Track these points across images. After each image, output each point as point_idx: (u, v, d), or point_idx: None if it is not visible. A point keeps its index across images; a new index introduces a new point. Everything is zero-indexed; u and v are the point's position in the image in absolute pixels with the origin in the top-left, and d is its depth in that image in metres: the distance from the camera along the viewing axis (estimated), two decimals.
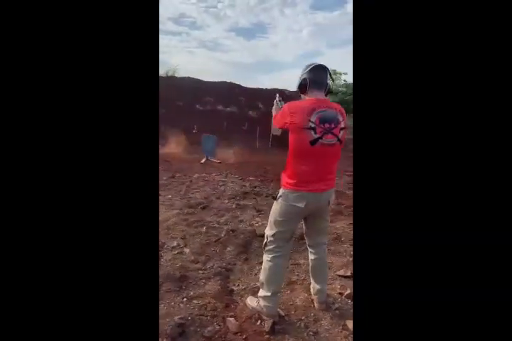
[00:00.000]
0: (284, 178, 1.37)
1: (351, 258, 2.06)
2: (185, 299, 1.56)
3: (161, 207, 2.93)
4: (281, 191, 1.39)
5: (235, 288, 1.70)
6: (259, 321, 1.41)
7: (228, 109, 10.64)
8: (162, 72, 10.60)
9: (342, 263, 1.99)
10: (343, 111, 1.35)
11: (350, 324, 1.40)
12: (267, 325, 1.37)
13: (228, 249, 2.15)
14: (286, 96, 12.67)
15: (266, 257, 1.45)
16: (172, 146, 7.34)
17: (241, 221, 2.70)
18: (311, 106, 1.26)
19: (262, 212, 2.97)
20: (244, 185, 4.07)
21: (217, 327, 1.36)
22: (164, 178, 4.23)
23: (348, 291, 1.65)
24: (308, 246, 1.57)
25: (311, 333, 1.35)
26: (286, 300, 1.59)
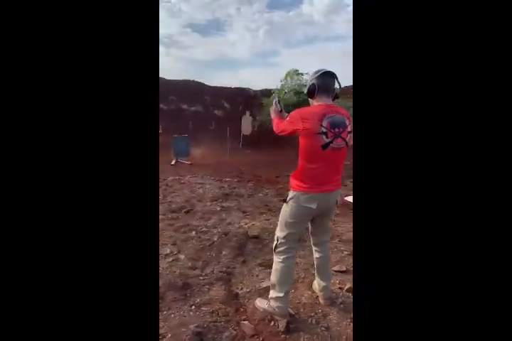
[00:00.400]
0: (294, 181, 1.42)
1: (343, 254, 2.17)
2: (193, 307, 1.54)
3: None
4: (291, 193, 1.43)
5: (239, 292, 1.71)
6: (272, 322, 1.44)
7: (193, 108, 10.43)
8: None
9: (335, 259, 2.09)
10: (349, 115, 1.42)
11: None
12: (282, 324, 1.41)
13: (224, 252, 2.15)
14: (250, 96, 12.72)
15: (277, 259, 1.49)
16: None
17: (229, 223, 2.70)
18: (322, 111, 1.32)
19: (248, 213, 3.00)
20: (223, 187, 4.06)
21: (234, 332, 1.37)
22: None
23: (348, 285, 1.75)
24: (314, 244, 1.63)
25: (323, 328, 1.42)
26: (293, 298, 1.64)
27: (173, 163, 6.17)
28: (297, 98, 9.97)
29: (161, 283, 1.71)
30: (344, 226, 2.69)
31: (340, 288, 1.76)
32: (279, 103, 1.66)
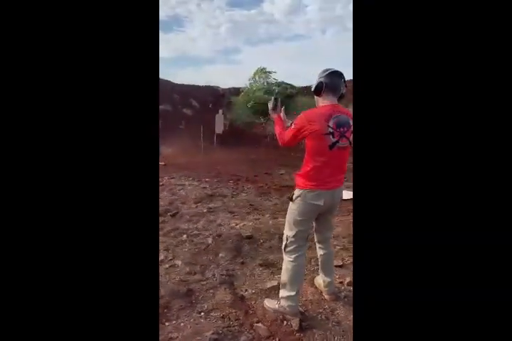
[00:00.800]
0: (301, 179, 1.45)
1: (336, 249, 2.24)
2: (202, 313, 1.51)
3: None
4: (297, 191, 1.46)
5: (244, 294, 1.70)
6: (284, 322, 1.45)
7: (161, 107, 10.07)
8: None
9: None
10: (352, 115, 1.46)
11: None
12: (295, 323, 1.42)
13: (221, 255, 2.12)
14: (219, 94, 12.59)
15: (288, 258, 1.50)
16: None
17: (219, 225, 2.67)
18: (328, 112, 1.36)
19: (236, 214, 2.98)
20: (205, 187, 3.99)
21: (250, 336, 1.36)
22: None
23: (348, 279, 1.81)
24: (318, 242, 1.66)
25: (334, 323, 1.46)
26: (299, 296, 1.67)
27: None
28: (266, 97, 10.05)
29: (163, 291, 1.65)
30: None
31: (340, 282, 1.82)
32: (276, 101, 1.65)
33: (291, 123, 1.46)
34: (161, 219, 2.77)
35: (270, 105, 1.66)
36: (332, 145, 1.35)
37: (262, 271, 1.93)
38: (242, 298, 1.67)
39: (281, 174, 5.12)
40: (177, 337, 1.33)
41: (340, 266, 1.99)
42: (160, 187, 3.96)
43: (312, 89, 1.45)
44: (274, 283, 1.74)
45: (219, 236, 2.36)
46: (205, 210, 3.03)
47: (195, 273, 1.89)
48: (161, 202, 3.28)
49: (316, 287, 1.75)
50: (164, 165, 5.93)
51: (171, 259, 2.04)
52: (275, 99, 1.68)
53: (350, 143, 1.41)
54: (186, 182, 4.25)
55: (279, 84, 10.56)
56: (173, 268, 1.93)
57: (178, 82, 11.80)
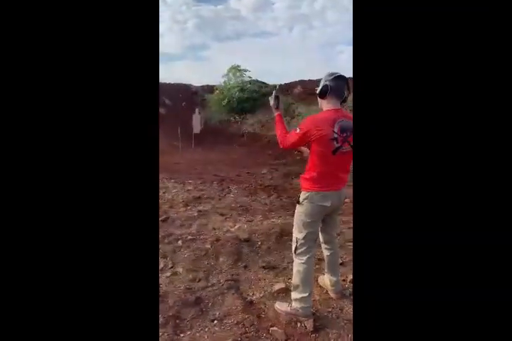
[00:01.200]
0: (307, 182, 1.49)
1: None
2: (215, 321, 1.50)
3: None
4: (304, 194, 1.50)
5: (253, 298, 1.71)
6: (298, 323, 1.48)
7: None
8: None
9: None
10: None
11: None
12: (309, 324, 1.46)
13: (221, 259, 2.11)
14: (191, 92, 12.34)
15: (299, 260, 1.52)
16: None
17: (214, 229, 2.64)
18: (332, 117, 1.40)
19: (228, 216, 2.96)
20: (189, 189, 3.91)
21: (269, 340, 1.38)
22: None
23: (350, 277, 1.88)
24: (324, 242, 1.70)
25: (345, 321, 1.51)
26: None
27: None
28: (242, 94, 10.03)
29: (171, 302, 1.61)
30: None
31: (343, 280, 1.88)
32: (277, 99, 1.65)
33: (292, 130, 1.49)
34: None
35: (271, 101, 1.66)
36: (335, 150, 1.39)
37: (266, 274, 1.95)
38: (251, 302, 1.68)
39: (264, 173, 5.15)
40: None
41: (340, 264, 2.06)
42: None
43: (317, 92, 1.48)
44: (282, 285, 1.76)
45: (217, 240, 2.34)
46: (195, 214, 2.98)
47: (199, 280, 1.86)
48: None
49: (320, 286, 1.80)
50: None
51: (171, 267, 2.00)
52: (276, 96, 1.67)
53: (351, 147, 1.44)
54: (169, 185, 4.14)
55: (253, 82, 10.57)
56: (175, 276, 1.89)
57: None
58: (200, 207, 3.20)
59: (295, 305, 1.50)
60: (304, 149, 1.62)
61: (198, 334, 1.40)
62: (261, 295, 1.74)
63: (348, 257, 2.14)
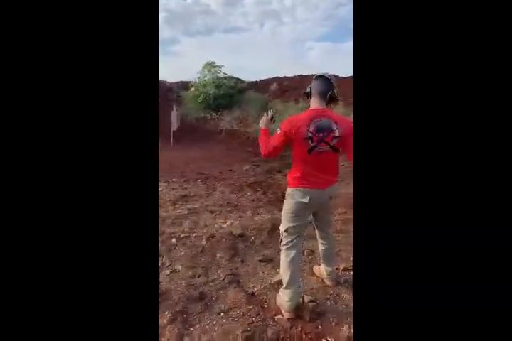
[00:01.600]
0: (290, 179, 1.56)
1: None
2: (222, 314, 1.55)
3: None
4: (288, 190, 1.58)
5: (254, 290, 1.78)
6: (302, 312, 1.57)
7: None
8: None
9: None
10: (343, 120, 1.49)
11: None
12: (306, 314, 1.54)
13: (219, 255, 2.15)
14: (166, 88, 11.97)
15: (283, 252, 1.60)
16: None
17: (206, 226, 2.67)
18: (309, 117, 1.45)
19: (217, 213, 3.00)
20: (175, 188, 3.89)
21: (275, 328, 1.45)
22: None
23: (343, 266, 2.00)
24: (320, 238, 1.79)
25: (343, 306, 1.62)
26: (306, 286, 1.80)
27: None
28: (217, 91, 9.97)
29: (176, 298, 1.64)
30: None
31: (336, 268, 2.00)
32: (271, 119, 1.68)
33: (275, 131, 1.53)
34: None
35: (264, 119, 1.67)
36: (310, 150, 1.43)
37: (263, 267, 2.02)
38: (253, 294, 1.74)
39: (246, 170, 5.20)
40: (209, 339, 1.36)
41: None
42: None
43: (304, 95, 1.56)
44: (280, 276, 1.85)
45: (212, 237, 2.38)
46: (185, 212, 2.99)
47: (199, 276, 1.90)
48: None
49: (317, 276, 1.90)
50: None
51: (169, 265, 2.01)
52: (271, 113, 1.70)
53: (331, 147, 1.45)
54: None
55: (229, 78, 10.53)
56: (175, 273, 1.91)
57: None
58: (189, 206, 3.20)
59: (280, 298, 1.57)
60: None
61: (207, 327, 1.45)
62: (261, 287, 1.81)
63: (340, 247, 2.26)
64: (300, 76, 10.39)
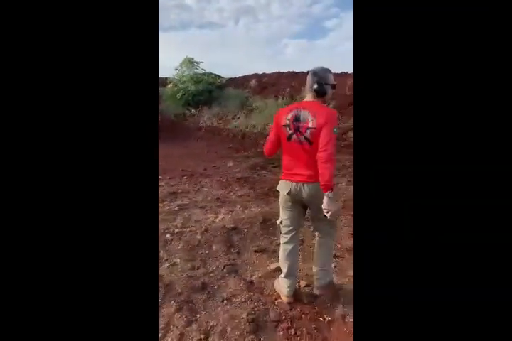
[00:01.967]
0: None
1: None
2: (225, 301, 1.64)
3: None
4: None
5: (253, 279, 1.88)
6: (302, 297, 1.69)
7: None
8: None
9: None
10: (321, 113, 1.40)
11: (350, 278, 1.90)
12: (304, 293, 1.67)
13: (215, 247, 2.23)
14: None
15: (281, 245, 1.69)
16: None
17: (197, 221, 2.73)
18: (290, 107, 1.52)
19: (207, 209, 3.06)
20: (161, 185, 3.88)
21: (277, 311, 1.57)
22: None
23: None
24: (312, 230, 1.87)
25: (337, 288, 1.76)
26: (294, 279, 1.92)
27: None
28: (196, 87, 9.89)
29: (179, 288, 1.71)
30: None
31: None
32: None
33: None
34: None
35: None
36: (289, 137, 1.46)
37: (259, 257, 2.13)
38: (252, 282, 1.85)
39: (230, 166, 5.27)
40: (216, 324, 1.45)
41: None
42: None
43: None
44: (276, 264, 1.96)
45: (206, 231, 2.45)
46: (176, 208, 3.02)
47: (198, 268, 1.97)
48: None
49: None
50: None
51: (167, 259, 2.07)
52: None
53: (306, 139, 1.42)
54: None
55: (208, 74, 10.47)
56: (175, 266, 1.97)
57: None
58: (179, 202, 3.24)
59: (276, 284, 1.68)
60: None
61: (213, 313, 1.54)
62: (259, 275, 1.91)
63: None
64: (278, 73, 10.52)
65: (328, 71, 1.50)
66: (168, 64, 12.92)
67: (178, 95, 9.76)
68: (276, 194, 3.47)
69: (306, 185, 1.47)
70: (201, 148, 7.65)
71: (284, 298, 1.64)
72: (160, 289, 1.70)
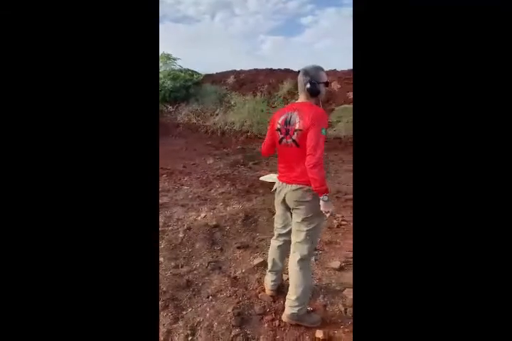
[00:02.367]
0: None
1: None
2: (210, 297, 1.67)
3: None
4: None
5: (236, 274, 1.92)
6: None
7: None
8: None
9: None
10: (308, 114, 1.34)
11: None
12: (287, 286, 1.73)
13: (197, 245, 2.25)
14: None
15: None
16: None
17: (179, 219, 2.73)
18: (284, 109, 1.47)
19: (190, 206, 3.06)
20: None
21: (261, 304, 1.62)
22: None
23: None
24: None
25: (317, 280, 1.84)
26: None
27: None
28: (173, 84, 9.70)
29: (164, 287, 1.72)
30: None
31: None
32: None
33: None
34: None
35: None
36: (280, 141, 1.45)
37: (242, 253, 2.17)
38: (236, 278, 1.89)
39: (210, 164, 5.26)
40: (203, 319, 1.48)
41: None
42: None
43: None
44: (260, 259, 2.02)
45: (189, 229, 2.45)
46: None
47: (182, 266, 1.98)
48: None
49: None
50: None
51: None
52: None
53: (294, 141, 1.38)
54: None
55: (185, 70, 10.30)
56: (159, 265, 1.97)
57: None
58: (159, 201, 3.21)
59: (267, 278, 1.71)
60: None
61: (199, 310, 1.57)
62: (243, 270, 1.96)
63: None
64: (256, 69, 10.52)
65: (319, 69, 1.43)
66: None
67: None
68: (257, 191, 3.54)
69: (288, 185, 1.46)
70: (179, 146, 7.54)
71: (268, 292, 1.69)
72: None
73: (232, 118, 8.41)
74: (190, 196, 3.39)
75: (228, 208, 2.97)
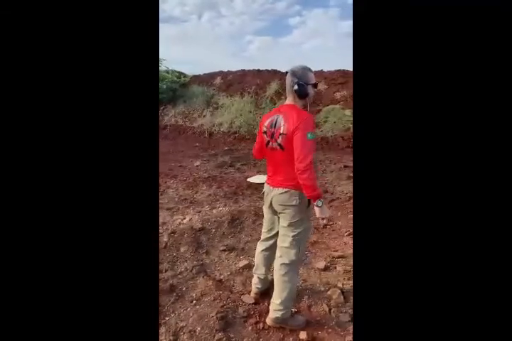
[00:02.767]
0: None
1: None
2: (194, 301, 1.66)
3: None
4: None
5: (221, 277, 1.91)
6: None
7: None
8: None
9: None
10: (292, 117, 1.31)
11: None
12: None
13: (182, 249, 2.23)
14: None
15: None
16: None
17: (164, 223, 2.69)
18: (271, 112, 1.46)
19: (174, 210, 3.02)
20: None
21: (245, 307, 1.61)
22: None
23: None
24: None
25: (302, 281, 1.85)
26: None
27: None
28: (160, 85, 9.60)
29: None
30: None
31: None
32: None
33: None
34: None
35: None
36: (267, 144, 1.43)
37: (227, 255, 2.16)
38: (221, 281, 1.88)
39: (197, 165, 5.22)
40: (186, 324, 1.47)
41: None
42: None
43: None
44: (245, 262, 2.01)
45: (173, 233, 2.43)
46: None
47: (166, 271, 1.96)
48: None
49: None
50: None
51: None
52: None
53: (279, 145, 1.36)
54: None
55: (171, 71, 10.22)
56: None
57: None
58: None
59: (253, 280, 1.71)
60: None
61: (182, 315, 1.55)
62: (228, 273, 1.95)
63: None
64: (243, 70, 10.52)
65: (307, 69, 1.39)
66: None
67: None
68: (244, 192, 3.54)
69: (274, 189, 1.43)
70: (166, 148, 7.47)
71: (251, 294, 1.69)
72: None
73: (220, 119, 8.39)
74: (176, 199, 3.36)
75: (214, 211, 2.96)
